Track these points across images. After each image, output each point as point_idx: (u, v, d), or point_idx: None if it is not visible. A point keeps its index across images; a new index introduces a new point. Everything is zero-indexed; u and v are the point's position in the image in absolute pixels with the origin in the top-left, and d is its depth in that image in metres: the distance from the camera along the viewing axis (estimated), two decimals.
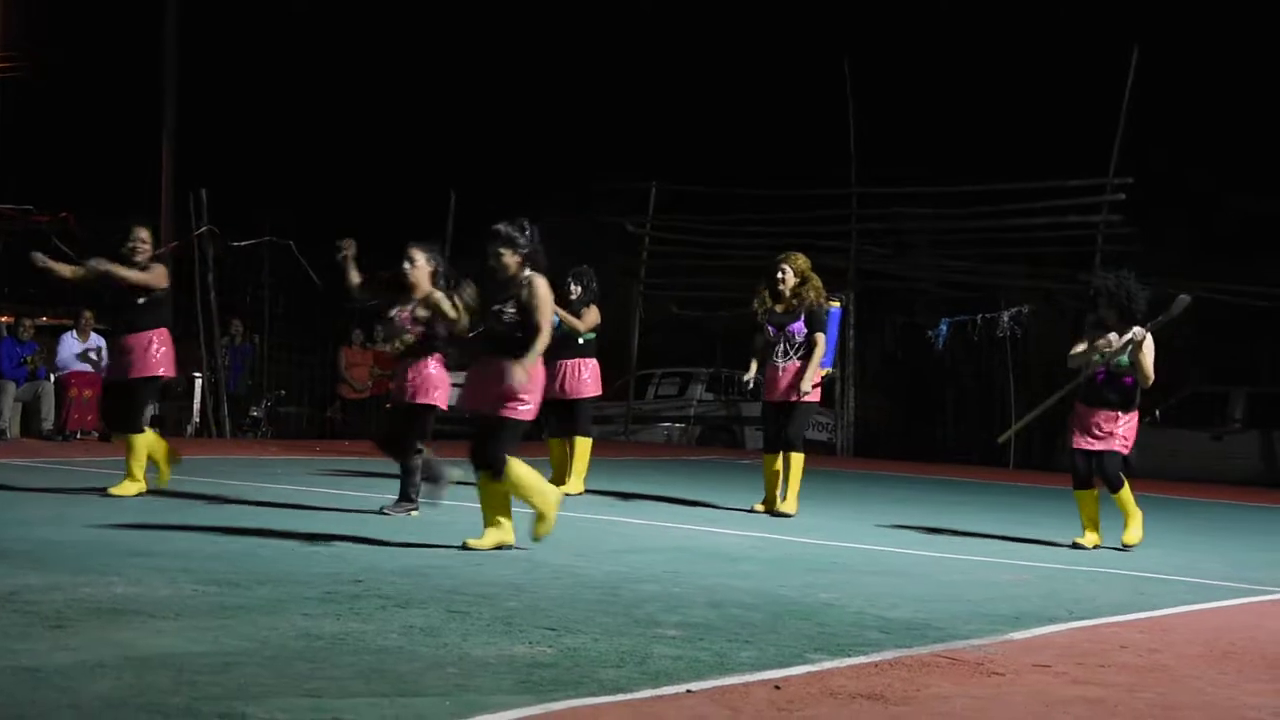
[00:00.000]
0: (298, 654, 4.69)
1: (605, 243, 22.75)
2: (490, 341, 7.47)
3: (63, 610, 5.22)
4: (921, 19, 27.63)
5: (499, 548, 7.46)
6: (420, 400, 8.89)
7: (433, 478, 8.75)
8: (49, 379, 16.07)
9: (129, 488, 9.33)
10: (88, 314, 16.64)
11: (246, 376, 19.81)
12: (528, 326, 7.32)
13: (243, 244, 19.67)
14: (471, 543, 7.44)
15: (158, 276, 9.47)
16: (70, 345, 16.35)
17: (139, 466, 9.36)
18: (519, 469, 7.35)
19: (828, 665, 4.97)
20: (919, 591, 6.94)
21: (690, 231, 23.12)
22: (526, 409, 7.38)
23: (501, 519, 7.48)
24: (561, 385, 11.68)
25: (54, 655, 4.49)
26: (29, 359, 15.95)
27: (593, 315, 11.71)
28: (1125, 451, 9.15)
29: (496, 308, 7.40)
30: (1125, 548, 9.10)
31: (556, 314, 11.53)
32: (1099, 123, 20.55)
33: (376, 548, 7.30)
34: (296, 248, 19.62)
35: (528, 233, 7.42)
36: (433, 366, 8.93)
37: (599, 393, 12.04)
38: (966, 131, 26.12)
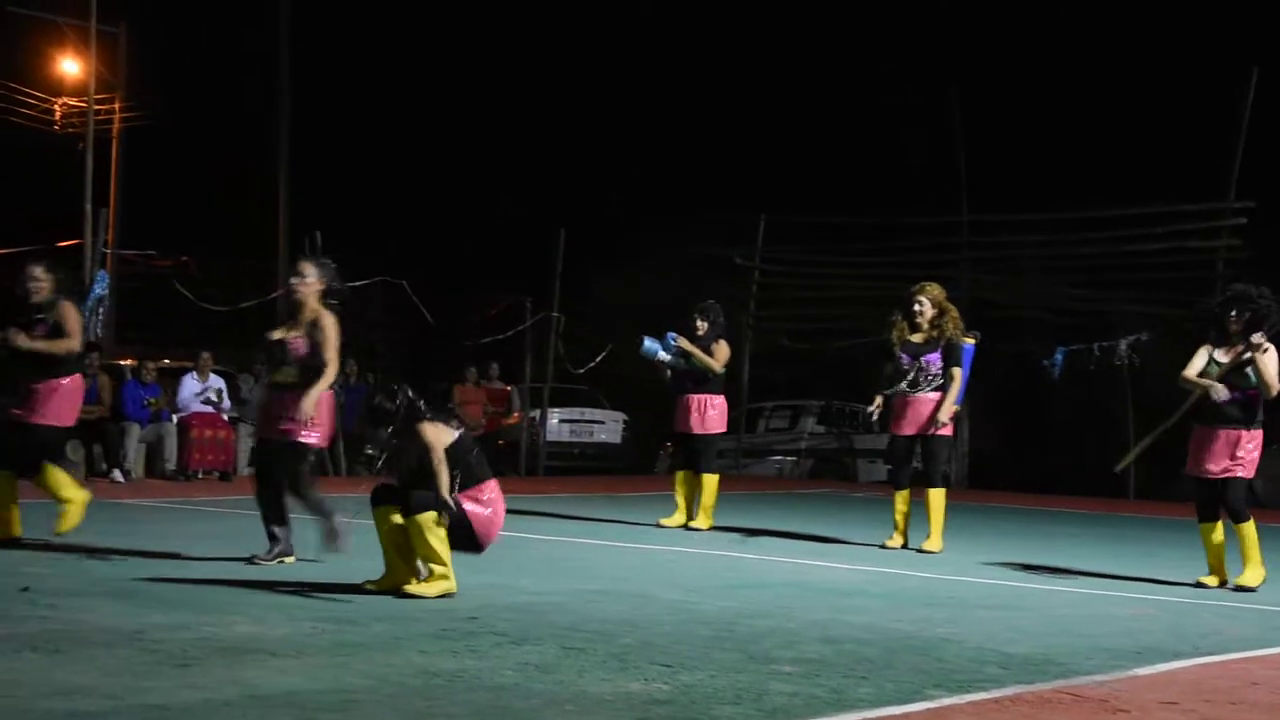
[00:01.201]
0: (416, 691, 4.72)
1: (710, 274, 22.78)
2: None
3: (187, 649, 5.31)
4: (1033, 43, 27.33)
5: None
6: (299, 439, 7.91)
7: (328, 532, 7.85)
8: (171, 420, 16.41)
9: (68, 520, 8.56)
10: (206, 355, 16.99)
11: (362, 415, 20.07)
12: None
13: (357, 284, 19.97)
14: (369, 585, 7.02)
15: (70, 341, 8.63)
16: (191, 386, 16.69)
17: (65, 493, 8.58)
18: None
19: (947, 702, 4.90)
20: (1038, 626, 6.82)
21: (798, 263, 23.08)
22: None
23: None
24: (688, 420, 11.68)
25: (180, 693, 4.57)
26: (152, 401, 16.31)
27: (723, 351, 11.73)
28: (1249, 475, 8.65)
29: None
30: (1240, 589, 8.50)
31: (690, 352, 11.58)
32: (1217, 145, 20.18)
33: (490, 584, 7.33)
34: (410, 287, 19.88)
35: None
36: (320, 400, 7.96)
37: (724, 429, 12.04)
38: (1078, 157, 25.78)
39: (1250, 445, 8.61)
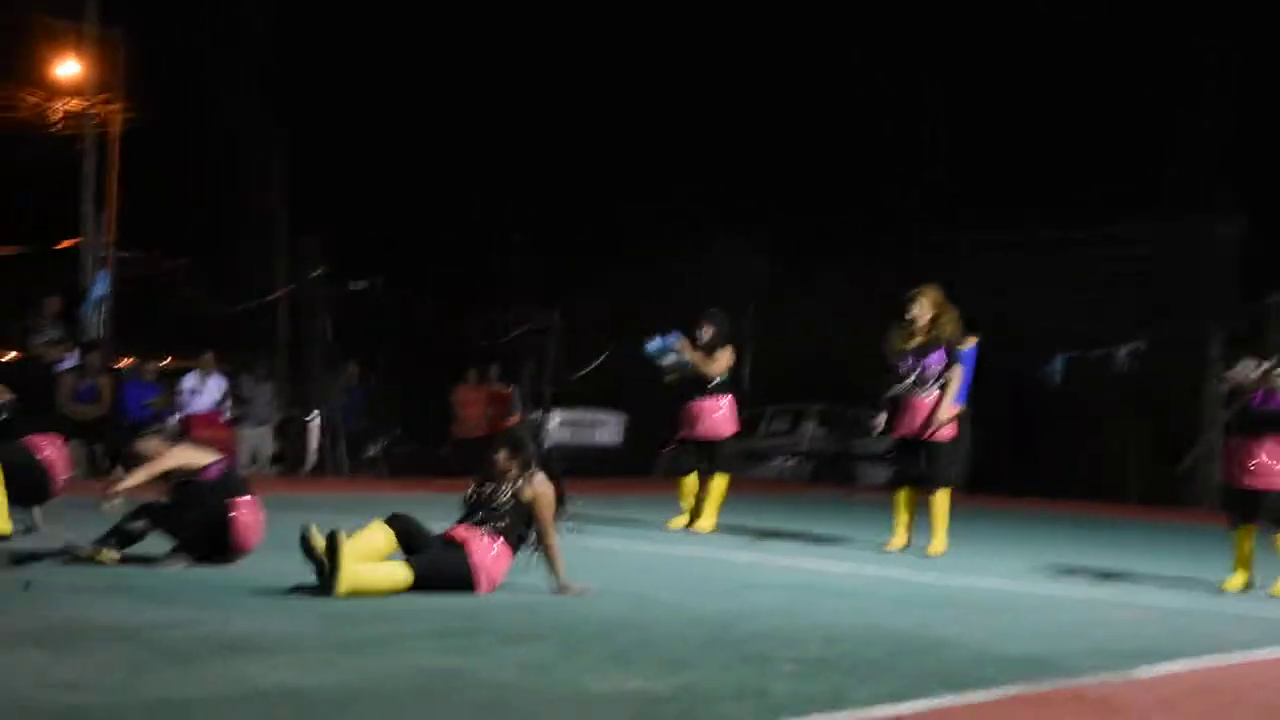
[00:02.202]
0: (415, 689, 4.72)
1: (717, 281, 22.84)
2: None
3: (187, 645, 5.31)
4: (1026, 53, 27.10)
5: None
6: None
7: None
8: (174, 420, 16.43)
9: None
10: (208, 355, 17.01)
11: (363, 416, 20.10)
12: None
13: (357, 286, 20.00)
14: None
15: None
16: (193, 386, 16.72)
17: None
18: None
19: (947, 701, 4.90)
20: (1038, 628, 6.82)
21: (802, 272, 23.17)
22: None
23: None
24: (696, 425, 11.67)
25: (180, 688, 4.57)
26: (153, 401, 16.32)
27: (725, 358, 11.73)
28: None
29: None
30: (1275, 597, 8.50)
31: (688, 356, 11.62)
32: (1216, 155, 20.22)
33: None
34: (413, 289, 19.92)
35: None
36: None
37: (735, 429, 12.01)
38: (1079, 166, 25.63)
39: None
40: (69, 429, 13.58)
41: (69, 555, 7.59)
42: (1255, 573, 8.81)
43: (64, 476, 8.96)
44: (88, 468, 15.73)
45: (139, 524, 7.73)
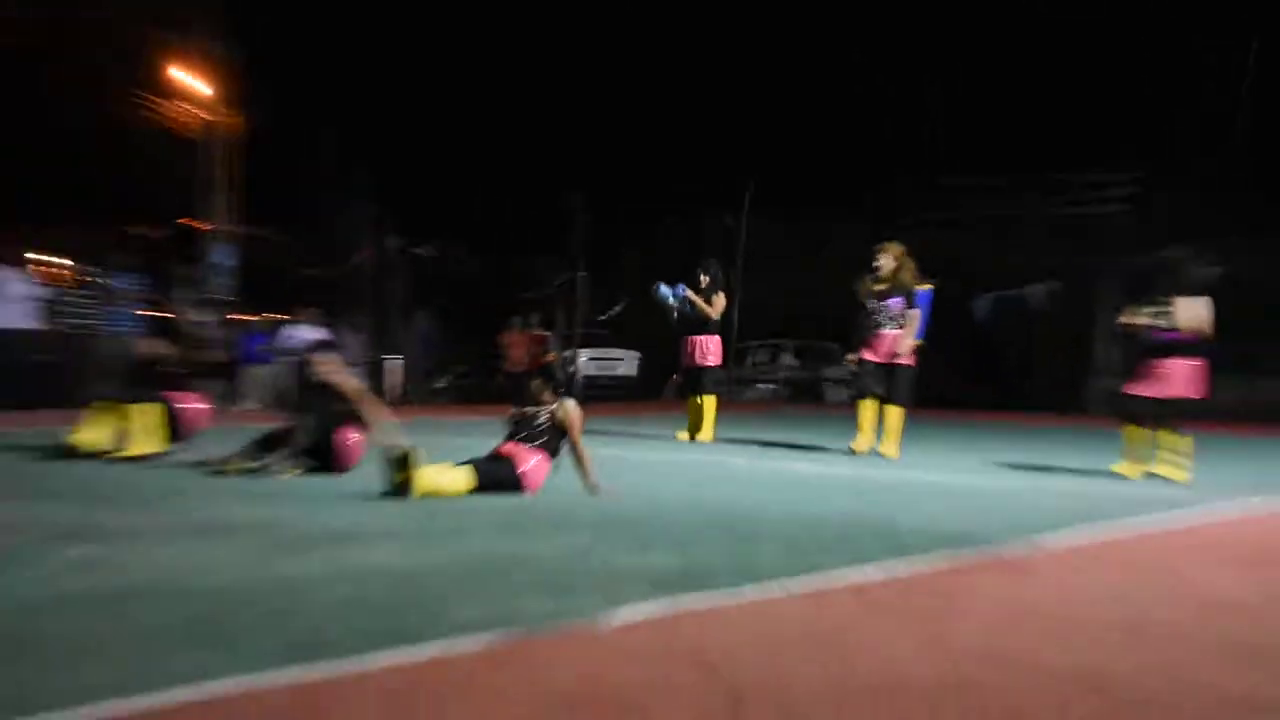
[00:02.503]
0: (483, 567, 4.84)
1: (709, 234, 22.87)
2: None
3: (300, 536, 5.45)
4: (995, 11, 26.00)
5: None
6: None
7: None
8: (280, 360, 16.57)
9: None
10: (310, 309, 17.10)
11: (432, 356, 20.25)
12: None
13: (424, 251, 20.07)
14: None
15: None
16: (295, 336, 16.82)
17: None
18: None
19: (898, 568, 5.01)
20: (970, 510, 6.92)
21: (779, 223, 23.16)
22: None
23: None
24: (692, 356, 11.87)
25: (302, 568, 4.70)
26: (267, 346, 16.47)
27: (720, 302, 11.89)
28: (1185, 394, 8.73)
29: None
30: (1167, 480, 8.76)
31: (692, 300, 11.76)
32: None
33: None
34: (469, 253, 19.98)
35: None
36: None
37: (720, 363, 12.19)
38: (1025, 121, 24.85)
39: (1179, 370, 8.69)
40: (202, 374, 13.73)
41: (210, 468, 7.79)
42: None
43: (200, 420, 9.14)
44: (217, 403, 15.92)
45: (267, 441, 7.88)
